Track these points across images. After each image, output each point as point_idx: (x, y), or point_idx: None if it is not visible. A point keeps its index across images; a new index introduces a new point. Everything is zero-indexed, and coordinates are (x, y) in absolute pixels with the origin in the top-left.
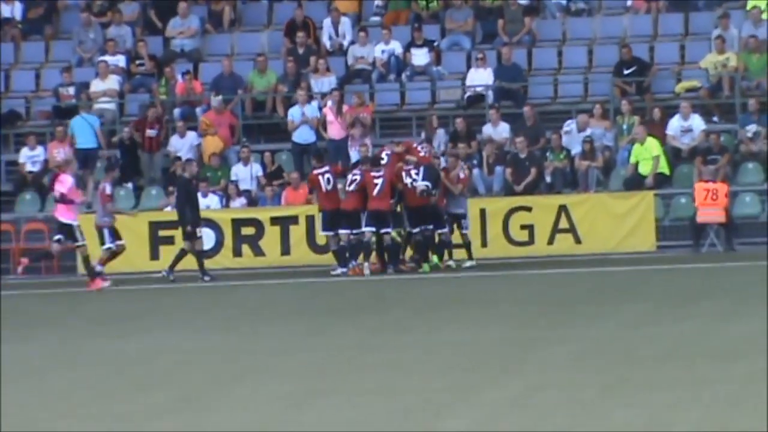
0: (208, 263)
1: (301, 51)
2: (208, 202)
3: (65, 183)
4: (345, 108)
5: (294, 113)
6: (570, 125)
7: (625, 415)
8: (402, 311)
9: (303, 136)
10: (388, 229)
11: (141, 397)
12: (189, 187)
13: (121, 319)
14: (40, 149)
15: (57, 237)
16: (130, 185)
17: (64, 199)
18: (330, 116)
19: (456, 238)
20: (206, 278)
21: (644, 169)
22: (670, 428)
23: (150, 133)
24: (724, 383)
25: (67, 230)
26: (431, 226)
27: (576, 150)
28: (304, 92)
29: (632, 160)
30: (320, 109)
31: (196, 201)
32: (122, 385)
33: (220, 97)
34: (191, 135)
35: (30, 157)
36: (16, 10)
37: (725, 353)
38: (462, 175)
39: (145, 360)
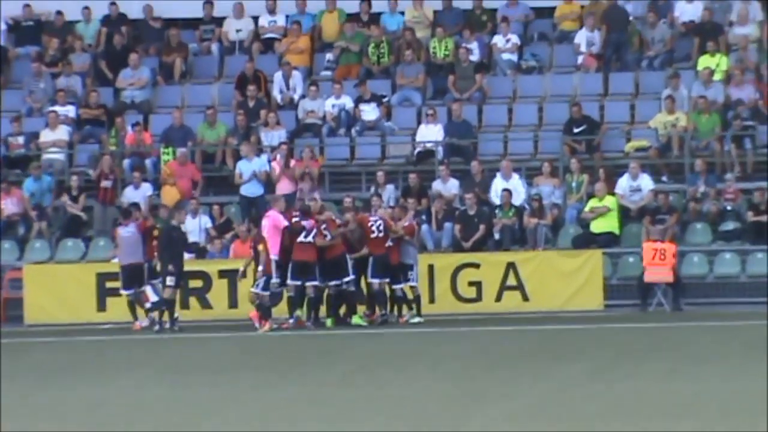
0: (154, 315)
1: (251, 104)
2: None
3: (280, 220)
4: (293, 162)
5: (242, 166)
6: (494, 179)
7: None
8: (348, 366)
9: (251, 189)
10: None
11: None
12: (173, 233)
13: (66, 369)
14: None
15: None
16: (80, 241)
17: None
18: (278, 170)
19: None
20: (175, 327)
21: (596, 227)
22: None
23: (105, 183)
24: None
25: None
26: (341, 280)
27: (517, 201)
28: (251, 146)
29: (587, 208)
30: (269, 162)
31: (178, 249)
32: None
33: (185, 149)
34: (145, 186)
35: None
36: None
37: (670, 412)
38: (406, 223)
39: (87, 411)
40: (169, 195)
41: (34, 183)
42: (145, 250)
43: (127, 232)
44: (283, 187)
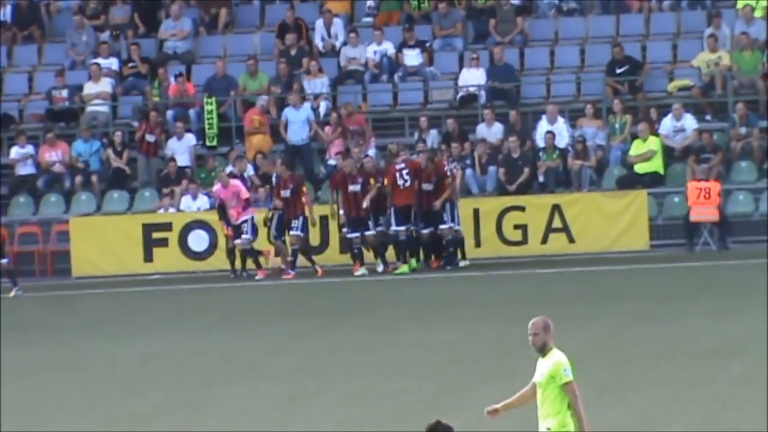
0: (201, 265)
1: (293, 52)
2: (199, 204)
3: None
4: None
5: (288, 114)
6: (539, 122)
7: (619, 414)
8: (395, 312)
9: (296, 137)
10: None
11: (136, 399)
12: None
13: (115, 321)
14: (30, 147)
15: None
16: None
17: None
18: (330, 134)
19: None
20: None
21: (641, 168)
22: (664, 428)
23: (149, 138)
24: (718, 382)
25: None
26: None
27: (561, 144)
28: (297, 94)
29: (632, 152)
30: (313, 110)
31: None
32: (117, 387)
33: (266, 97)
34: (188, 137)
35: (21, 154)
36: (6, 13)
37: (719, 352)
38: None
39: (139, 362)
40: (262, 142)
41: (84, 145)
42: None
43: None
44: (334, 151)
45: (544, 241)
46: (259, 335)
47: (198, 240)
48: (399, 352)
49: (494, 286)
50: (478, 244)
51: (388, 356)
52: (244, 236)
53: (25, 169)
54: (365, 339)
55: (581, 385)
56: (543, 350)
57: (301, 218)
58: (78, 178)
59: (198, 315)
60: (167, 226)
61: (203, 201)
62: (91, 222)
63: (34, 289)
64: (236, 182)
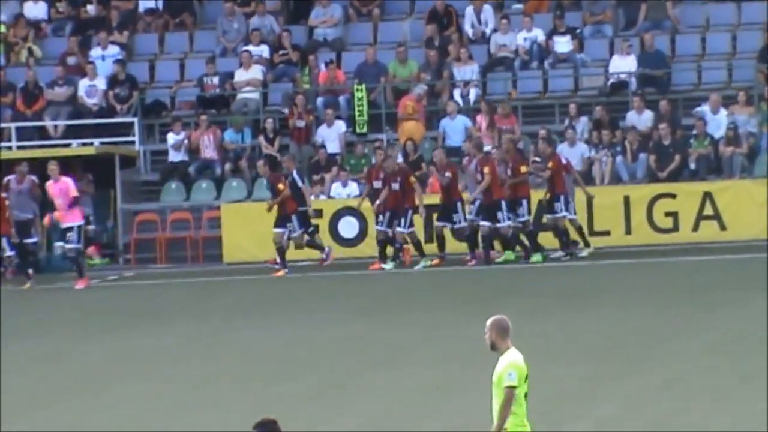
0: (351, 252)
1: (436, 42)
2: (349, 191)
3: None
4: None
5: (445, 126)
6: (703, 108)
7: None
8: (542, 299)
9: (452, 140)
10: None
11: (284, 384)
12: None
13: (265, 307)
14: (183, 134)
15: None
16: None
17: None
18: (483, 126)
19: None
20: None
21: None
22: None
23: (299, 123)
24: None
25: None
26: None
27: (716, 133)
28: (453, 105)
29: None
30: (463, 97)
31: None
32: (265, 373)
33: (424, 87)
34: (338, 124)
35: (177, 141)
36: (158, 1)
37: None
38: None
39: (287, 348)
40: (415, 129)
41: (234, 135)
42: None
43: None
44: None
45: (695, 228)
46: (409, 322)
47: (348, 227)
48: (547, 339)
49: (644, 274)
50: (628, 232)
51: (534, 343)
52: (69, 245)
53: (177, 156)
54: (513, 326)
55: (729, 374)
56: (494, 349)
57: (409, 212)
58: (228, 165)
59: (347, 301)
60: (318, 213)
61: (353, 188)
62: (241, 208)
63: (185, 275)
64: (66, 179)
